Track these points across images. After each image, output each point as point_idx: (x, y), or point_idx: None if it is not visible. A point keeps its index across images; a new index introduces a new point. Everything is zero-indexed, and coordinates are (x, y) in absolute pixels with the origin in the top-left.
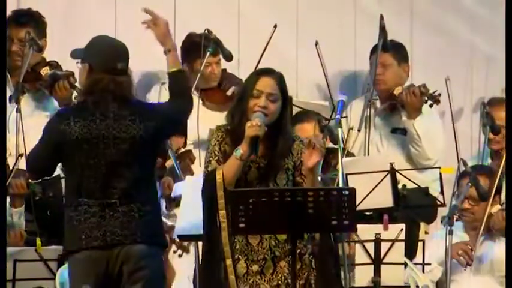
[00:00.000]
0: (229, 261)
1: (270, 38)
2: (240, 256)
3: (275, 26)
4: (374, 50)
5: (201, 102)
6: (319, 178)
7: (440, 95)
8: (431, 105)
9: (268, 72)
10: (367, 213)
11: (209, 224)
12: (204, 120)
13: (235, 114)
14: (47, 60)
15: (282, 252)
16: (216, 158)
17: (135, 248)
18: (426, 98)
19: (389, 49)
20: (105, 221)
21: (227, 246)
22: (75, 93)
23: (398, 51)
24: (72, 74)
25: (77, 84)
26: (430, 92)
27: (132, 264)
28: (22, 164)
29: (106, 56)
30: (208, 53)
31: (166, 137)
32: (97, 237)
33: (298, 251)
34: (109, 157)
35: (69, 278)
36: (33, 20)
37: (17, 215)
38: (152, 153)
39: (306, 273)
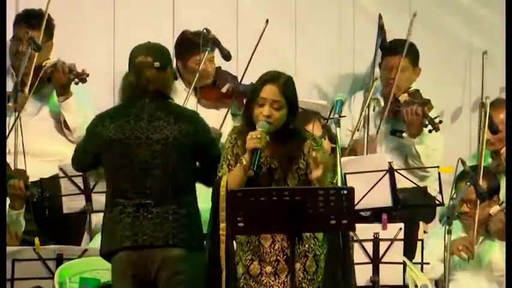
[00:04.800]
0: (223, 274)
1: (263, 32)
2: (253, 257)
3: (267, 21)
4: (385, 52)
5: (196, 100)
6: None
7: (441, 122)
8: (430, 131)
9: (272, 79)
10: (364, 214)
11: (213, 232)
12: None
13: (244, 119)
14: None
15: (296, 253)
16: (227, 162)
17: (173, 252)
18: (427, 122)
19: (398, 52)
20: (138, 221)
21: (223, 259)
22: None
23: (414, 54)
24: (74, 64)
25: (76, 70)
26: (432, 116)
27: (169, 269)
28: (21, 164)
29: (131, 55)
30: (206, 53)
31: (203, 145)
32: (129, 237)
33: (314, 252)
34: (142, 158)
35: (112, 279)
36: (42, 22)
37: (15, 217)
38: (188, 157)
39: (320, 277)
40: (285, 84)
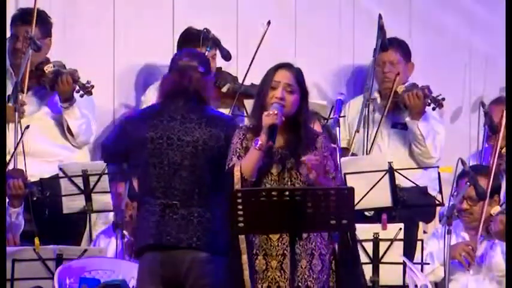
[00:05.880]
0: (244, 257)
1: (265, 34)
2: (258, 251)
3: (268, 23)
4: (380, 49)
5: None
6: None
7: (443, 99)
8: (433, 109)
9: (285, 65)
10: (367, 214)
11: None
12: None
13: (255, 110)
14: (51, 59)
15: (303, 250)
16: (237, 154)
17: (201, 255)
18: (429, 101)
19: (389, 48)
20: (163, 221)
21: (244, 243)
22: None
23: (405, 49)
24: (76, 71)
25: (80, 79)
26: (434, 95)
27: (197, 271)
28: (21, 164)
29: (174, 58)
30: (207, 52)
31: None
32: (153, 235)
33: (319, 251)
34: (171, 158)
35: (138, 276)
36: (39, 19)
37: (14, 215)
38: (217, 161)
39: (325, 276)
40: (298, 72)
